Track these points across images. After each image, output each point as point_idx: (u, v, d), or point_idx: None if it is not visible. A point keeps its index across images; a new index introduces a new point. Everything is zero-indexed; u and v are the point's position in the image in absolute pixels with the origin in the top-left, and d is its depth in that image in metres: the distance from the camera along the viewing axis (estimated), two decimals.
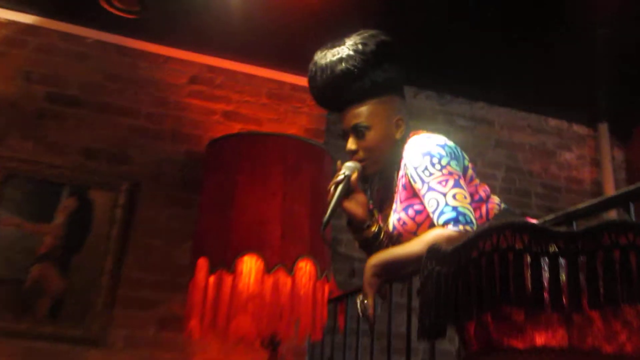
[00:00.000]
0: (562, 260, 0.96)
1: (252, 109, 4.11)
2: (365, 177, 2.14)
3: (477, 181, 2.04)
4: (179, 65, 4.02)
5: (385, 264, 1.89)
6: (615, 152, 5.18)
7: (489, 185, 4.76)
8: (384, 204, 2.18)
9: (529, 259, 0.96)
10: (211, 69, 4.09)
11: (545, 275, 0.93)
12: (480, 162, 4.82)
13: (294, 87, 4.21)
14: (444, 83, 4.69)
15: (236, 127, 4.00)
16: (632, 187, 1.47)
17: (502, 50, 4.15)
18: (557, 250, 0.96)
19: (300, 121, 4.17)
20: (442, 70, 4.44)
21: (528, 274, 0.93)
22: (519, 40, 4.03)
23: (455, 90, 4.80)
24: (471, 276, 0.97)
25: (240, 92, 4.11)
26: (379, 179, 2.19)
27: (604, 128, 5.14)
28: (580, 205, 1.69)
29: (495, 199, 2.07)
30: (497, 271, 0.95)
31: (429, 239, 1.81)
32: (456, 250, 1.04)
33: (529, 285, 0.93)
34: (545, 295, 0.94)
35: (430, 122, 4.69)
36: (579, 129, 5.24)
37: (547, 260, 0.96)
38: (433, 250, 1.09)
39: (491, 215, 2.02)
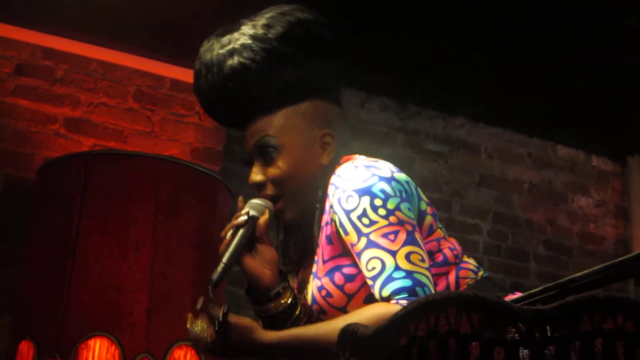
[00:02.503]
0: (524, 352, 1.01)
1: (112, 116, 4.11)
2: (282, 224, 2.16)
3: (440, 233, 2.07)
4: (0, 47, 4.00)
5: (283, 347, 1.91)
6: None
7: (468, 242, 4.84)
8: (303, 264, 2.19)
9: (477, 349, 1.00)
10: (49, 53, 4.08)
11: None
12: (457, 206, 4.88)
13: (178, 85, 4.22)
14: (408, 87, 4.73)
15: (86, 144, 3.99)
16: None
17: (493, 41, 4.23)
18: (517, 336, 1.00)
19: (186, 137, 4.17)
20: (405, 68, 4.49)
21: None
22: (517, 30, 4.13)
23: (423, 98, 4.85)
24: None
25: (94, 91, 4.11)
26: (299, 228, 2.20)
27: (635, 163, 5.26)
28: (582, 273, 1.72)
29: (471, 263, 2.09)
30: None
31: (364, 317, 1.80)
32: (378, 334, 1.07)
33: None
34: None
35: (384, 144, 4.72)
36: (601, 162, 5.36)
37: (503, 351, 1.00)
38: (347, 334, 1.12)
39: (462, 287, 2.04)
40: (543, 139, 5.21)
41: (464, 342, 1.02)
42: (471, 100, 4.83)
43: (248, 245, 2.05)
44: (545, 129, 5.13)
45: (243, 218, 2.04)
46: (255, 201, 2.08)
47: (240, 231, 2.03)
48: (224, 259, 1.99)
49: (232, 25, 2.14)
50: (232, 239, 2.03)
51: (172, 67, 4.22)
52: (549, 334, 1.05)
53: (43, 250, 3.29)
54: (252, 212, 2.06)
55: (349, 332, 1.14)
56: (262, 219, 2.05)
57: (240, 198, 2.10)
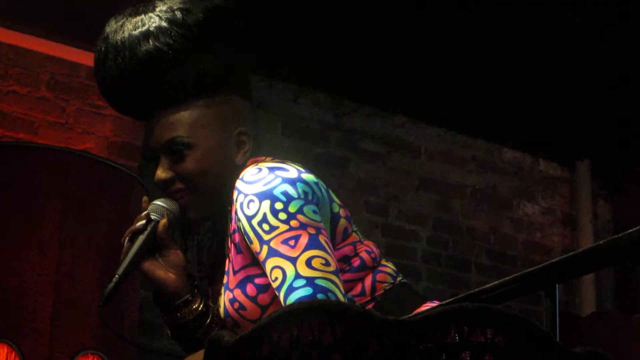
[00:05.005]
0: None
1: (23, 106, 4.10)
2: (186, 224, 2.16)
3: (356, 237, 2.08)
4: None
5: None
6: (600, 206, 5.41)
7: (406, 250, 4.86)
8: (217, 271, 2.19)
9: None
10: None
11: None
12: (394, 210, 4.93)
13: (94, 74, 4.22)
14: (344, 83, 4.77)
15: None
16: (557, 259, 1.57)
17: (437, 37, 4.31)
18: (380, 349, 1.03)
19: (102, 129, 4.18)
20: (341, 63, 4.54)
21: None
22: (463, 26, 4.22)
23: (361, 95, 4.90)
24: None
25: (4, 77, 4.11)
26: (212, 231, 2.22)
27: (584, 168, 5.34)
28: (493, 283, 1.76)
29: (389, 267, 2.11)
30: None
31: None
32: (241, 343, 1.10)
33: None
34: None
35: (317, 143, 4.77)
36: (548, 167, 5.44)
37: None
38: (212, 343, 1.14)
39: (379, 292, 2.05)
40: (488, 141, 5.27)
41: (326, 354, 1.06)
42: (412, 98, 4.87)
43: (151, 248, 2.04)
44: (491, 131, 5.20)
45: (141, 223, 2.04)
46: (157, 203, 2.08)
47: (139, 237, 2.03)
48: (118, 271, 1.99)
49: (145, 6, 2.11)
50: (130, 247, 2.03)
51: (89, 54, 3.97)
52: (413, 346, 1.09)
53: None
54: (152, 215, 2.05)
55: (213, 341, 1.16)
56: (162, 223, 2.04)
57: (145, 198, 2.10)
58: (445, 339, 1.11)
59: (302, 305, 1.11)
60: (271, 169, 1.97)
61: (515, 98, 4.80)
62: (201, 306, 2.09)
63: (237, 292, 2.00)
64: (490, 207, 5.21)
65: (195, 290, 2.11)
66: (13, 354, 3.07)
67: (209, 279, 2.22)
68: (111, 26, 2.12)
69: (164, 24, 2.07)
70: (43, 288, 3.17)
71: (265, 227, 1.90)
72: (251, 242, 1.93)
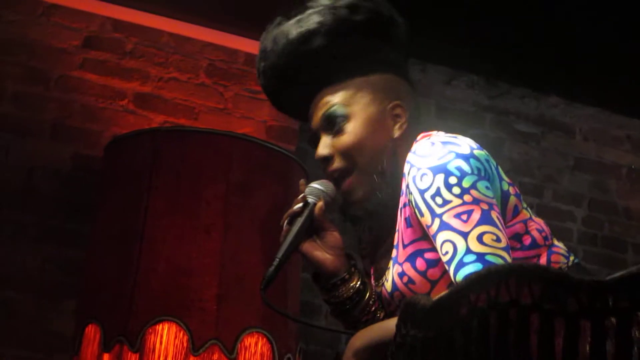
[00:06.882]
0: (585, 323, 1.04)
1: (183, 92, 4.18)
2: (347, 204, 2.19)
3: (526, 214, 2.08)
4: (68, 19, 4.06)
5: (374, 347, 1.93)
6: None
7: (562, 230, 4.84)
8: (380, 248, 2.23)
9: (538, 319, 1.03)
10: (119, 25, 4.15)
11: (561, 343, 1.00)
12: (550, 191, 4.92)
13: (252, 60, 4.21)
14: (497, 64, 4.76)
15: (156, 120, 4.07)
16: None
17: (590, 15, 4.26)
18: (578, 307, 1.03)
19: (260, 114, 4.24)
20: (494, 43, 4.52)
21: (535, 341, 1.01)
22: (619, 5, 4.16)
23: (514, 76, 4.88)
24: (457, 344, 1.03)
25: (165, 65, 4.18)
26: (373, 208, 2.22)
27: None
28: None
29: (561, 247, 2.11)
30: (493, 337, 1.02)
31: None
32: (438, 306, 1.13)
33: (536, 358, 1.01)
34: None
35: (471, 124, 4.79)
36: None
37: (564, 321, 1.04)
38: (408, 306, 1.17)
39: None
40: None
41: (525, 313, 1.07)
42: (566, 78, 4.82)
43: (309, 230, 2.11)
44: None
45: (299, 205, 2.11)
46: (314, 185, 2.14)
47: (297, 220, 2.10)
48: (278, 254, 2.07)
49: (297, 7, 2.21)
50: (289, 230, 2.11)
51: (247, 41, 4.25)
52: (611, 305, 1.09)
53: (110, 230, 3.35)
54: (309, 198, 2.12)
55: (410, 304, 1.18)
56: (319, 205, 2.11)
57: (302, 181, 2.17)
58: None
59: (499, 268, 1.13)
60: (444, 143, 1.98)
61: None
62: (358, 284, 2.14)
63: (407, 266, 2.02)
64: None
65: (353, 269, 2.16)
66: (182, 332, 3.12)
67: (370, 258, 2.26)
68: (273, 23, 2.23)
69: (315, 9, 2.16)
70: (209, 269, 3.22)
71: (438, 200, 1.92)
72: (422, 215, 1.95)
